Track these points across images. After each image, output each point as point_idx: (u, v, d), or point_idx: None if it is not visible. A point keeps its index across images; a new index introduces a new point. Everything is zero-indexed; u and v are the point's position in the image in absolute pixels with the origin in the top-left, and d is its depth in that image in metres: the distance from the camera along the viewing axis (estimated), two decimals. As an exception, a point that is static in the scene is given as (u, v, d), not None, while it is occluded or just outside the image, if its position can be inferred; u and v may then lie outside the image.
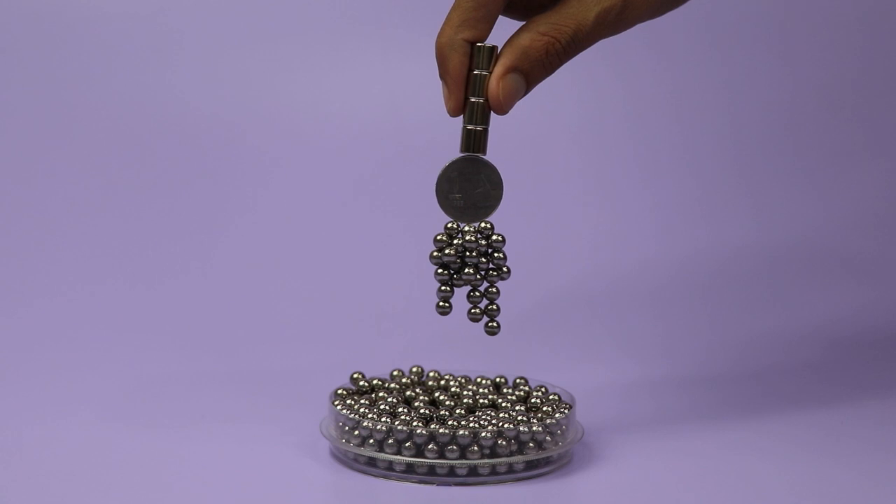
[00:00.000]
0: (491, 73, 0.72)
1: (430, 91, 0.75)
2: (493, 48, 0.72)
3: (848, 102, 1.19)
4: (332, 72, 1.18)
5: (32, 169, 1.11)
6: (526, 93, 0.73)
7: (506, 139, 0.77)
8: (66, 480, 0.73)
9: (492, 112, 0.72)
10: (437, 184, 0.74)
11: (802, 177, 1.16)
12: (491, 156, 0.73)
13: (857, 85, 1.20)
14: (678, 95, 1.18)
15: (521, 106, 0.75)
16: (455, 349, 0.92)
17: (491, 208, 0.74)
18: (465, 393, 0.79)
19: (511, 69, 0.72)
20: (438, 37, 0.72)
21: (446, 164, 0.73)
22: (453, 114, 0.73)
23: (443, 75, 0.72)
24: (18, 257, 1.04)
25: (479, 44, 0.72)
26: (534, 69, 0.72)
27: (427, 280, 0.98)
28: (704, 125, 1.18)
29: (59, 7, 1.17)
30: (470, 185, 0.73)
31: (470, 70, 0.72)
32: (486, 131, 0.73)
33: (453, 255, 0.74)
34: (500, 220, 0.75)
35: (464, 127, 0.73)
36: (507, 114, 0.73)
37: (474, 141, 0.73)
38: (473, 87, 0.72)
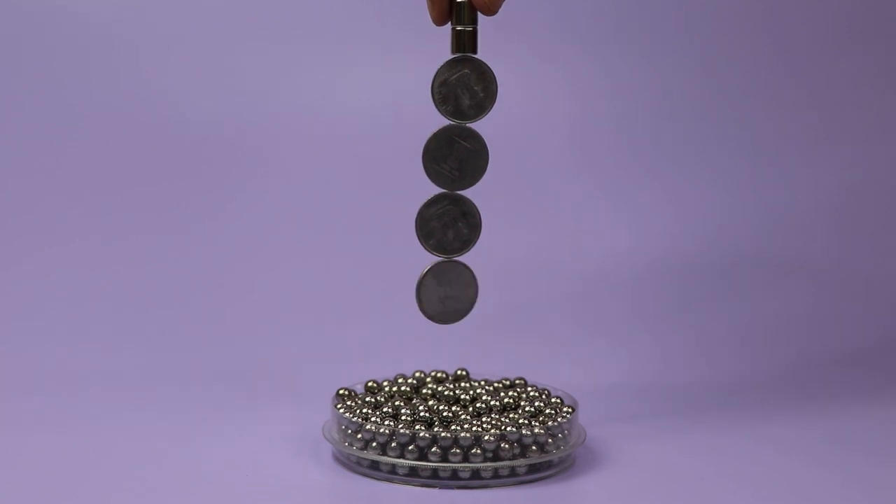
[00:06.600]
0: None
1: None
2: None
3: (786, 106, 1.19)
4: (333, 71, 1.18)
5: (31, 165, 1.11)
6: None
7: (492, 139, 0.76)
8: (61, 478, 0.73)
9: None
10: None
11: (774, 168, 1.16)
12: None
13: (803, 92, 1.19)
14: (624, 98, 1.17)
15: (508, 104, 0.74)
16: (457, 352, 0.92)
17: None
18: (467, 396, 0.79)
19: None
20: None
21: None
22: (438, 23, 0.72)
23: None
24: (19, 256, 1.04)
25: None
26: None
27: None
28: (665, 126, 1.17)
29: (58, 5, 1.16)
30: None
31: None
32: (475, 31, 0.72)
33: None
34: (496, 221, 0.75)
35: (453, 28, 0.73)
36: (497, 14, 0.71)
37: (465, 41, 0.73)
38: None
